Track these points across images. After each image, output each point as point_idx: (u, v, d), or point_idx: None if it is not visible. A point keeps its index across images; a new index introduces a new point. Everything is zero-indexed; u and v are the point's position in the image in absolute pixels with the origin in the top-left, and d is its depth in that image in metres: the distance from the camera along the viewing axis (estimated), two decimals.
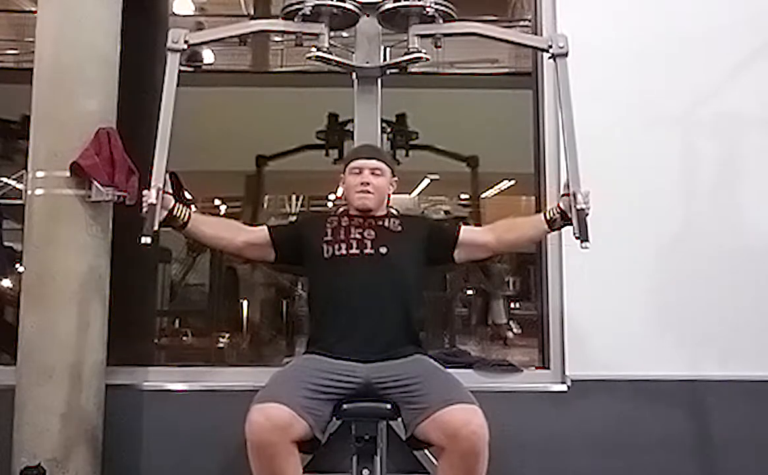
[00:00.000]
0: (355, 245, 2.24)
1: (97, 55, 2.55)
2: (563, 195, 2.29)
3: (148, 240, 2.15)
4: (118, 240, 2.61)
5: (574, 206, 2.19)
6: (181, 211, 2.26)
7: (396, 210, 2.45)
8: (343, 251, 2.24)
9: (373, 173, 2.31)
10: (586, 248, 2.19)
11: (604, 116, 2.82)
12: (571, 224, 2.22)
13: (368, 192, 2.30)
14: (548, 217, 2.30)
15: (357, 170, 2.32)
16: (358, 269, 2.22)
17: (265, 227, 2.39)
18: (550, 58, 2.40)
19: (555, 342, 2.81)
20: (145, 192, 2.19)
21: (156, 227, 2.16)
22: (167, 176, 2.23)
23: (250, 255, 2.46)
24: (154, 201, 2.16)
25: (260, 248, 2.38)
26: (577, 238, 2.21)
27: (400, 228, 2.33)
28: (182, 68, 2.34)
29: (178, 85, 2.30)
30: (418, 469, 2.51)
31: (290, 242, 2.38)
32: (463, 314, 6.44)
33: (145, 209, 2.16)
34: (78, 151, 2.43)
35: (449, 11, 2.46)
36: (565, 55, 2.34)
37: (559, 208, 2.27)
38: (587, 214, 2.19)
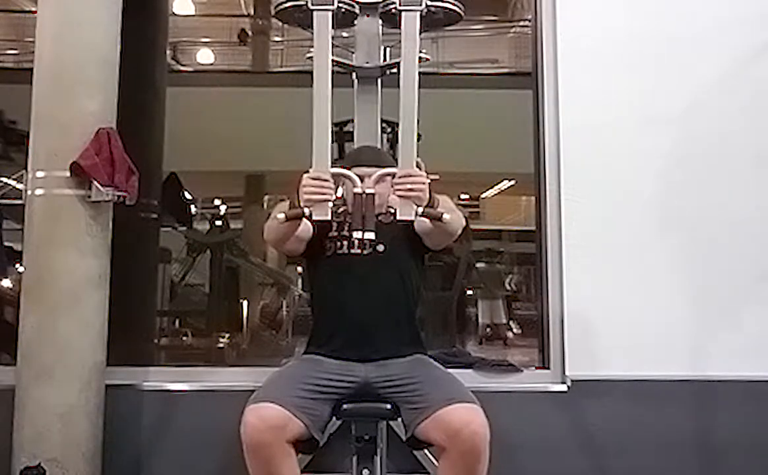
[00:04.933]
0: (356, 244, 2.24)
1: (97, 55, 2.55)
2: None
3: (371, 234, 1.96)
4: (118, 240, 2.60)
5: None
6: None
7: (394, 209, 2.43)
8: (345, 250, 2.24)
9: (377, 180, 2.29)
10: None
11: (604, 115, 2.82)
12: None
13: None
14: None
15: (359, 178, 2.29)
16: (358, 268, 2.22)
17: (305, 220, 2.13)
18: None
19: (555, 342, 2.81)
20: (322, 175, 1.98)
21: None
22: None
23: (290, 247, 2.23)
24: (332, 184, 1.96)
25: (301, 241, 2.21)
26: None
27: (391, 219, 2.30)
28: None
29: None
30: (418, 469, 2.51)
31: (314, 235, 2.24)
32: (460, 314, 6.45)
33: (329, 195, 1.97)
34: (78, 151, 2.43)
35: (454, 9, 2.46)
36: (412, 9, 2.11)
37: None
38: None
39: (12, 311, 3.66)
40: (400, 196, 1.97)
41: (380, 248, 2.23)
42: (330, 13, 2.09)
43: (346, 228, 2.26)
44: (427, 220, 2.03)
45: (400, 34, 2.56)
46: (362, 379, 2.11)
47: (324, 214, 1.98)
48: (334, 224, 2.27)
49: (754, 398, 2.74)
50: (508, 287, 7.72)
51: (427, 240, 2.21)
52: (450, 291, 5.93)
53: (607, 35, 2.88)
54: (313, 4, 2.08)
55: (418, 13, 2.10)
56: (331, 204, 1.99)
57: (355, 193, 2.01)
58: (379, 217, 2.30)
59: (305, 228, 2.16)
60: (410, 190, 1.96)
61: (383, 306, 2.19)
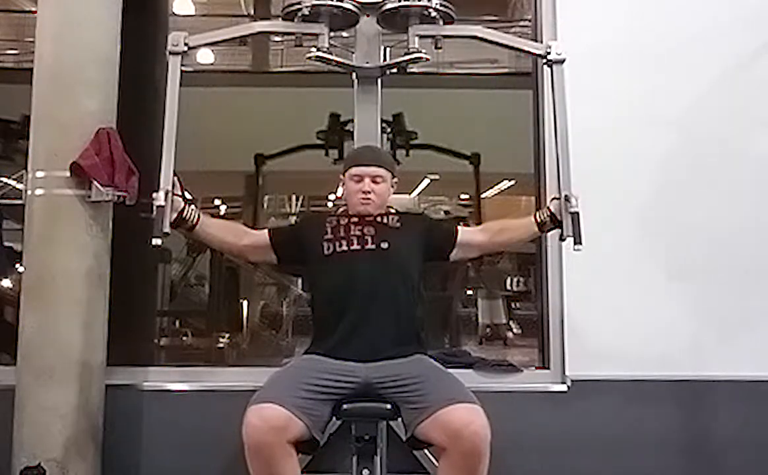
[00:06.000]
0: (356, 241, 2.25)
1: (97, 55, 2.55)
2: (553, 198, 2.37)
3: (159, 241, 2.19)
4: (118, 240, 2.60)
5: (567, 210, 2.28)
6: (190, 214, 2.27)
7: (395, 209, 2.45)
8: (344, 247, 2.24)
9: (374, 181, 2.30)
10: (579, 249, 2.28)
11: (604, 116, 2.82)
12: (561, 227, 2.31)
13: (370, 201, 2.30)
14: (539, 220, 2.37)
15: (358, 177, 2.31)
16: (360, 265, 2.22)
17: (266, 231, 2.41)
18: (545, 63, 2.46)
19: (555, 342, 2.81)
20: (154, 194, 2.20)
21: (167, 229, 2.18)
22: (175, 178, 2.24)
23: (252, 257, 2.51)
24: (163, 203, 2.17)
25: (262, 250, 2.39)
26: (562, 239, 2.32)
27: (399, 224, 2.33)
28: (183, 68, 2.34)
29: (180, 87, 2.32)
30: (418, 469, 2.51)
31: (291, 244, 2.38)
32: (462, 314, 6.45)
33: (154, 212, 2.17)
34: (78, 151, 2.43)
35: (448, 12, 2.46)
36: (562, 62, 2.41)
37: (549, 211, 2.34)
38: (579, 217, 2.25)
39: (12, 311, 3.66)
40: (572, 213, 2.27)
41: (384, 244, 2.24)
42: (179, 58, 2.34)
43: (342, 230, 2.27)
44: (482, 237, 2.42)
45: (399, 33, 2.58)
46: (363, 379, 2.11)
47: (158, 233, 2.18)
48: (328, 228, 2.29)
49: (754, 398, 2.74)
50: (508, 287, 7.71)
51: (470, 251, 2.43)
52: (449, 291, 5.93)
53: (607, 35, 2.88)
54: (169, 54, 2.34)
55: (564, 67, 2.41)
56: (165, 219, 2.18)
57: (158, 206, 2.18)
58: (384, 221, 2.31)
59: (255, 239, 2.37)
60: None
61: (384, 306, 2.19)
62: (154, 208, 2.18)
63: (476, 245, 2.43)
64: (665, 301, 2.79)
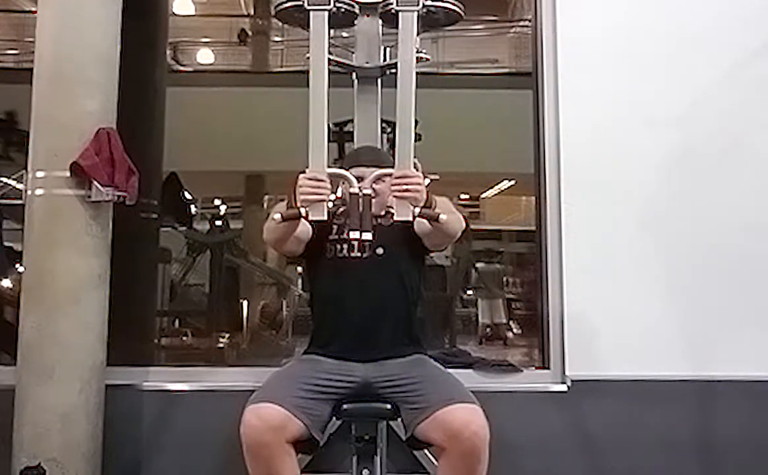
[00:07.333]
0: (356, 247, 2.24)
1: (97, 55, 2.55)
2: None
3: (368, 235, 1.95)
4: (118, 240, 2.60)
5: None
6: None
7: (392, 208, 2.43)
8: (345, 253, 2.24)
9: (375, 181, 2.29)
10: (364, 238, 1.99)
11: (604, 116, 2.82)
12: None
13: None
14: None
15: (358, 178, 2.29)
16: (359, 271, 2.22)
17: (305, 221, 2.12)
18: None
19: (555, 342, 2.81)
20: (318, 175, 1.96)
21: (324, 216, 1.96)
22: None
23: (297, 249, 2.24)
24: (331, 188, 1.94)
25: (300, 242, 2.20)
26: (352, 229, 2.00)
27: (391, 222, 2.31)
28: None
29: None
30: (418, 469, 2.51)
31: (314, 236, 2.25)
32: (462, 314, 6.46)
33: (326, 195, 1.95)
34: (78, 151, 2.43)
35: (454, 9, 2.46)
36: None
37: None
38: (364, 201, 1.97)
39: (12, 311, 3.66)
40: (396, 196, 1.98)
41: (379, 250, 2.22)
42: (326, 13, 2.11)
43: (345, 231, 2.26)
44: (425, 222, 2.03)
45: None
46: (362, 379, 2.11)
47: (320, 214, 1.98)
48: (334, 227, 2.28)
49: (754, 398, 2.74)
50: (506, 287, 7.72)
51: (426, 241, 2.21)
52: (449, 291, 5.94)
53: (607, 35, 2.88)
54: (309, 4, 2.10)
55: (416, 14, 2.12)
56: (328, 204, 1.99)
57: (351, 193, 2.01)
58: (380, 220, 2.31)
59: (304, 229, 2.16)
60: (407, 190, 1.97)
61: (383, 307, 2.19)
62: (318, 192, 1.94)
63: (420, 230, 2.18)
64: (665, 300, 2.79)
